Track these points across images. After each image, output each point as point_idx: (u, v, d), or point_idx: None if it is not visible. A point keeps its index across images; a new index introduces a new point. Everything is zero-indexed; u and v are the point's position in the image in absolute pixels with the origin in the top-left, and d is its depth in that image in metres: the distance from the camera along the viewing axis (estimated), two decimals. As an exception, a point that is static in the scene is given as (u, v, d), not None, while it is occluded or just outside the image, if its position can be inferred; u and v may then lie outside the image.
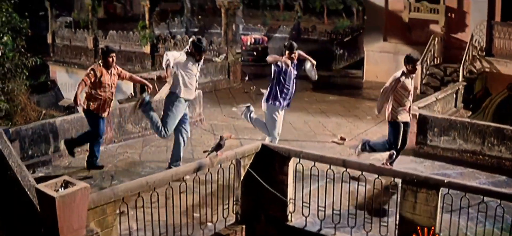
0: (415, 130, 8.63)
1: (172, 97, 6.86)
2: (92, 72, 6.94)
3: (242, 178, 5.44)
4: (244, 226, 5.51)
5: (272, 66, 7.05)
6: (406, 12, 14.44)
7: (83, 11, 18.29)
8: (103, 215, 4.44)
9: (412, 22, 14.59)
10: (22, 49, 13.04)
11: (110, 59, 6.98)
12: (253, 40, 17.99)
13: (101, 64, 7.01)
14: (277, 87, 6.97)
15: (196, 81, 6.99)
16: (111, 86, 7.08)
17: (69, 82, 16.53)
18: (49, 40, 18.46)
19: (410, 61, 6.86)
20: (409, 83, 6.87)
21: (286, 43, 7.23)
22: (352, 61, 17.30)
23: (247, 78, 14.58)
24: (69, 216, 4.15)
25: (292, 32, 20.30)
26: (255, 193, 5.51)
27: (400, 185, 5.10)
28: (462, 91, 11.94)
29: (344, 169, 5.24)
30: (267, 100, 7.09)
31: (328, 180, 5.38)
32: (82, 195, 4.22)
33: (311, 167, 5.31)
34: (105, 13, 35.01)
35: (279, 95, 6.98)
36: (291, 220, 5.58)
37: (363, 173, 5.20)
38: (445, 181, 5.00)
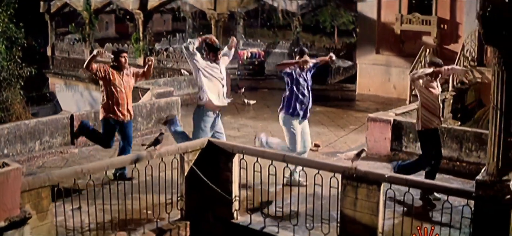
0: (390, 136, 8.48)
1: (199, 111, 6.36)
2: (102, 67, 6.52)
3: (186, 174, 5.42)
4: (188, 222, 5.48)
5: (284, 76, 6.58)
6: (398, 24, 14.31)
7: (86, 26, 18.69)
8: (38, 198, 4.54)
9: (404, 34, 14.45)
10: (18, 60, 13.46)
11: (122, 60, 6.55)
12: (249, 55, 18.07)
13: (112, 65, 6.62)
14: (292, 96, 6.48)
15: (223, 86, 6.41)
16: (124, 88, 6.57)
17: (67, 94, 16.88)
18: (49, 53, 18.97)
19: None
20: (434, 86, 6.44)
21: (296, 49, 6.87)
22: (347, 75, 17.24)
23: (243, 90, 14.61)
24: (3, 195, 4.29)
25: (291, 48, 20.37)
26: (200, 189, 5.48)
27: (340, 180, 5.01)
28: (451, 101, 11.71)
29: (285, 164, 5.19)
30: (281, 110, 6.62)
31: (270, 176, 5.32)
32: (15, 175, 4.35)
33: (254, 163, 5.27)
34: (116, 32, 35.86)
35: (293, 104, 6.48)
36: (237, 218, 5.52)
37: (304, 168, 5.13)
38: (386, 176, 4.90)
